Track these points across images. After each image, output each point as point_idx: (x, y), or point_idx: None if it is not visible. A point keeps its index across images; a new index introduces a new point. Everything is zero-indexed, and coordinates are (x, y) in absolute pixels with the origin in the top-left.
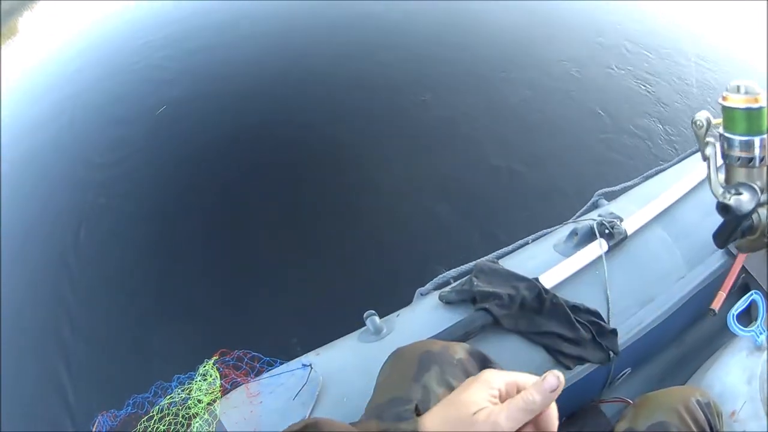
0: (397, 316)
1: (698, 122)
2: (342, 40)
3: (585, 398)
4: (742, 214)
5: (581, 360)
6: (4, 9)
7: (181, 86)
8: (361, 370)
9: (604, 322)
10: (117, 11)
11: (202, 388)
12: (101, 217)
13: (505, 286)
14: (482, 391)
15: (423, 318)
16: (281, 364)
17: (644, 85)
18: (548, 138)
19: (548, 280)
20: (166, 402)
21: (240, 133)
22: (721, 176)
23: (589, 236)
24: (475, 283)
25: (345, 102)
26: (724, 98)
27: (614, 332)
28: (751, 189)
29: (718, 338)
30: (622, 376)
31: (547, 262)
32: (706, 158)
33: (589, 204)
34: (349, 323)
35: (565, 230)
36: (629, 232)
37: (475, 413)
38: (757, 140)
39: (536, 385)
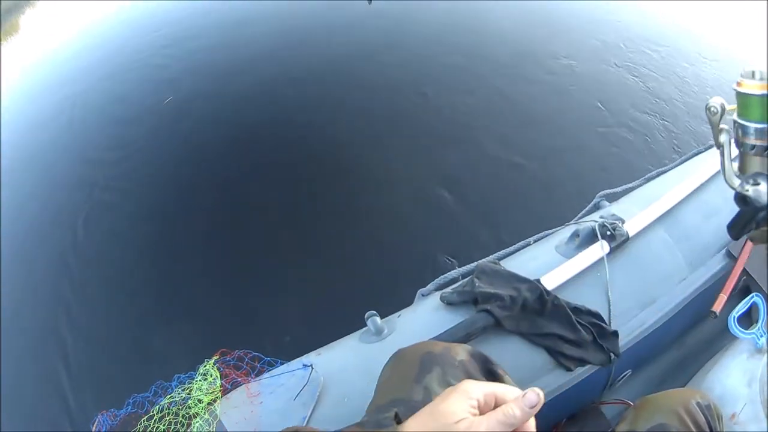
0: (398, 316)
1: (712, 108)
2: (342, 40)
3: (585, 400)
4: (760, 206)
5: (582, 362)
6: (6, 8)
7: (182, 86)
8: (362, 371)
9: (606, 323)
10: (117, 11)
11: (203, 387)
12: (101, 217)
13: (507, 287)
14: (462, 402)
15: (424, 319)
16: (282, 364)
17: (642, 82)
18: (549, 136)
19: (550, 282)
20: (167, 401)
21: (240, 132)
22: (735, 165)
23: (590, 238)
24: (477, 284)
25: (345, 101)
26: (738, 84)
27: (615, 334)
28: None
29: (719, 340)
30: (622, 377)
31: (549, 263)
32: (720, 146)
33: (590, 205)
34: (350, 323)
35: (566, 231)
36: (631, 234)
37: (455, 423)
38: None
39: (517, 400)
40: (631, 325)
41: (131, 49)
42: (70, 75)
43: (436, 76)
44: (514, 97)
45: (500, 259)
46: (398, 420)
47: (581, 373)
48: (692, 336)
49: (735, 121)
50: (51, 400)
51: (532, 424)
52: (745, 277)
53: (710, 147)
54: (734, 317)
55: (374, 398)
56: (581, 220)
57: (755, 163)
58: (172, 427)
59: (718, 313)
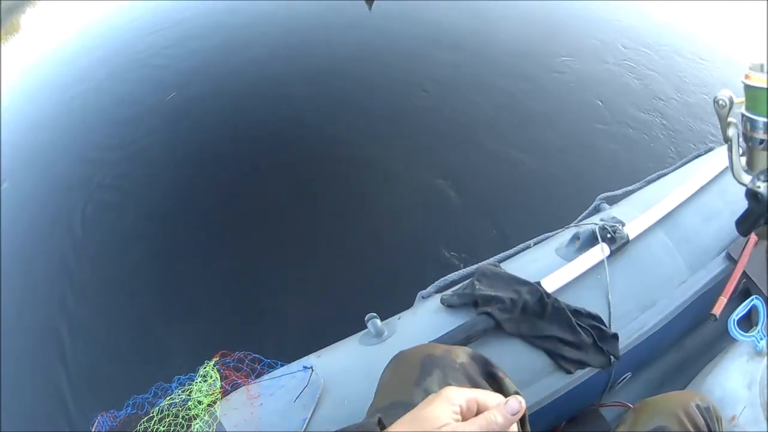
0: (399, 318)
1: (721, 101)
2: (342, 40)
3: (585, 402)
4: None
5: (582, 364)
6: (7, 7)
7: (183, 86)
8: (362, 373)
9: (606, 326)
10: (118, 11)
11: (203, 389)
12: (101, 217)
13: (507, 289)
14: (445, 408)
15: (424, 321)
16: (282, 366)
17: (641, 81)
18: (549, 135)
19: (550, 284)
20: (166, 403)
21: (240, 132)
22: (743, 160)
23: (591, 240)
24: (477, 287)
25: (345, 101)
26: (746, 77)
27: (615, 337)
28: None
29: (719, 343)
30: (622, 380)
31: (549, 266)
32: (728, 140)
33: (590, 208)
34: (351, 325)
35: (567, 234)
36: (631, 237)
37: (438, 428)
38: None
39: (500, 407)
40: (631, 327)
41: (132, 49)
42: (70, 75)
43: (436, 77)
44: (514, 97)
45: (500, 261)
46: (382, 426)
47: (581, 375)
48: (692, 339)
49: (743, 115)
50: (50, 400)
51: (514, 430)
52: (744, 280)
53: (710, 150)
54: (734, 320)
55: (374, 400)
56: (581, 223)
57: (763, 159)
58: (172, 429)
59: (718, 316)
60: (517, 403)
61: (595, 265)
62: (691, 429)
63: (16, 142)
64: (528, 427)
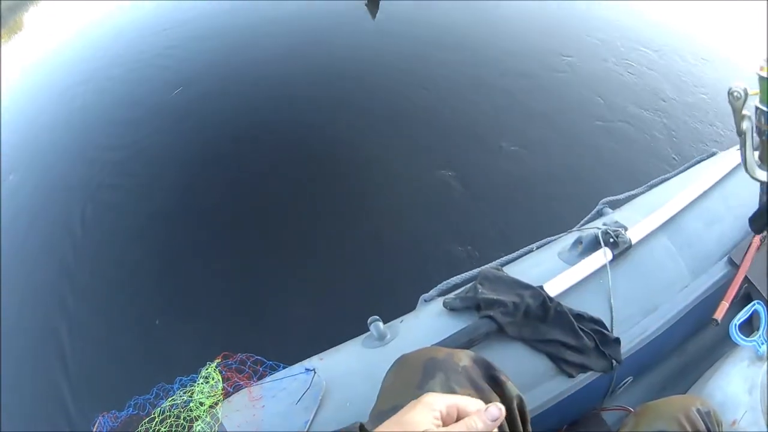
0: (401, 322)
1: (735, 93)
2: (344, 42)
3: (587, 406)
4: None
5: (584, 368)
6: (10, 6)
7: (186, 87)
8: (365, 376)
9: (608, 330)
10: (121, 11)
11: (204, 390)
12: (102, 217)
13: (510, 293)
14: (425, 413)
15: (427, 324)
16: (284, 368)
17: (641, 79)
18: (550, 135)
19: (553, 288)
20: (168, 404)
21: (242, 133)
22: (756, 154)
23: (593, 245)
24: (480, 291)
25: (346, 102)
26: (761, 68)
27: (617, 341)
28: None
29: (720, 348)
30: (623, 384)
31: (552, 270)
32: (741, 133)
33: (593, 212)
34: (353, 328)
35: (569, 238)
36: (633, 241)
37: None
38: None
39: (480, 413)
40: (633, 332)
41: (135, 49)
42: (72, 75)
43: (436, 77)
44: (515, 97)
45: (503, 265)
46: (364, 431)
47: (583, 379)
48: (693, 343)
49: (758, 108)
50: (51, 400)
51: None
52: (746, 285)
53: (713, 154)
54: (735, 325)
55: (377, 403)
56: (584, 227)
57: None
58: (174, 430)
59: (719, 321)
60: (497, 410)
61: (598, 269)
62: None
63: (17, 143)
64: (530, 429)
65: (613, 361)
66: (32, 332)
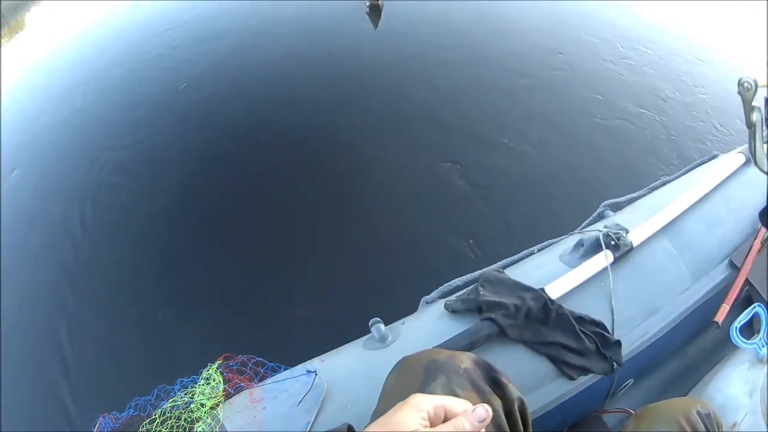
0: (402, 323)
1: (746, 84)
2: (344, 42)
3: (587, 408)
4: None
5: (585, 371)
6: (12, 6)
7: (188, 86)
8: (366, 378)
9: (609, 333)
10: (123, 10)
11: (205, 392)
12: (103, 217)
13: (511, 296)
14: (413, 414)
15: (428, 326)
16: (285, 369)
17: (640, 79)
18: (550, 135)
19: (554, 291)
20: (169, 405)
21: (243, 134)
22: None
23: (595, 247)
24: (481, 293)
25: (346, 103)
26: None
27: (618, 343)
28: None
29: (721, 350)
30: (624, 386)
31: (553, 272)
32: (751, 125)
33: (594, 215)
34: (354, 330)
35: (571, 241)
36: (635, 244)
37: None
38: None
39: (467, 414)
40: (634, 334)
41: (137, 50)
42: (72, 76)
43: (435, 78)
44: (514, 98)
45: (504, 267)
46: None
47: (584, 382)
48: (694, 346)
49: (767, 99)
50: (51, 401)
51: None
52: (747, 288)
53: (714, 157)
54: (736, 327)
55: (378, 405)
56: (585, 230)
57: None
58: (174, 431)
59: (720, 324)
60: (484, 411)
61: (599, 271)
62: None
63: (17, 143)
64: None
65: (614, 364)
66: (32, 332)
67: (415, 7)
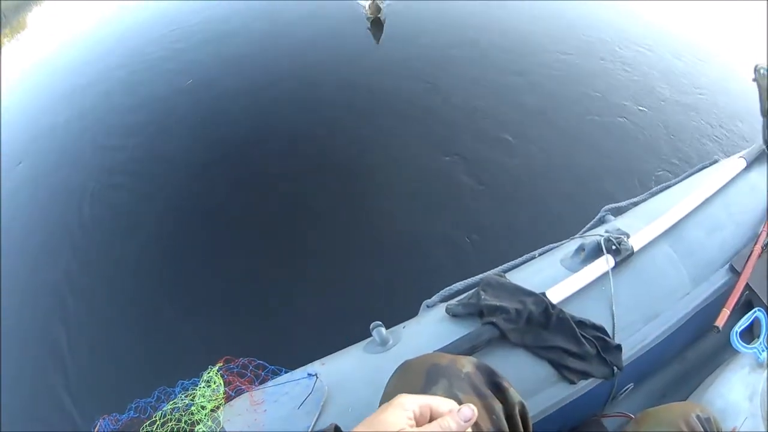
0: (404, 327)
1: (762, 70)
2: (349, 44)
3: (588, 412)
4: None
5: (586, 375)
6: (13, 6)
7: (189, 87)
8: (367, 381)
9: (609, 337)
10: (127, 11)
11: (206, 394)
12: (103, 218)
13: (512, 300)
14: (399, 414)
15: (429, 330)
16: (286, 372)
17: (639, 78)
18: (549, 133)
19: (555, 295)
20: (169, 407)
21: (243, 136)
22: None
23: (596, 252)
24: (483, 297)
25: (349, 106)
26: None
27: (619, 348)
28: None
29: (721, 355)
30: (624, 391)
31: (554, 276)
32: (766, 113)
33: (595, 219)
34: (355, 333)
35: (572, 245)
36: (636, 249)
37: None
38: None
39: (453, 413)
40: (634, 339)
41: (139, 50)
42: (73, 77)
43: (435, 78)
44: (514, 97)
45: (506, 271)
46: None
47: (584, 386)
48: (694, 350)
49: None
50: (51, 402)
51: None
52: (747, 292)
53: (715, 162)
54: (736, 332)
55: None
56: (586, 234)
57: None
58: None
59: (720, 328)
60: (470, 411)
61: (600, 276)
62: None
63: (18, 145)
64: None
65: (615, 368)
66: (32, 333)
67: (415, 9)
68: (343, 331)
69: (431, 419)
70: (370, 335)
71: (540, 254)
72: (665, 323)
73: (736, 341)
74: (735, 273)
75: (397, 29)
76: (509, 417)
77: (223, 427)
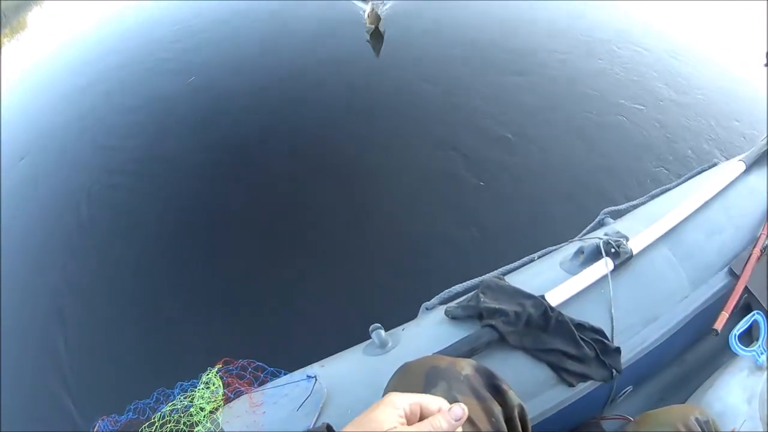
0: (403, 329)
1: None
2: (350, 45)
3: (587, 415)
4: None
5: (584, 377)
6: (14, 6)
7: (191, 88)
8: (366, 383)
9: (608, 340)
10: (129, 10)
11: (205, 396)
12: (103, 219)
13: (512, 303)
14: (389, 412)
15: (428, 332)
16: (285, 374)
17: (638, 78)
18: (547, 133)
19: (554, 298)
20: (168, 409)
21: (244, 137)
22: None
23: (595, 255)
24: (482, 299)
25: (351, 107)
26: None
27: (618, 350)
28: None
29: (719, 358)
30: (623, 393)
31: (553, 279)
32: None
33: (595, 222)
34: (354, 335)
35: (571, 248)
36: (635, 252)
37: (385, 431)
38: None
39: (443, 413)
40: (633, 341)
41: (139, 51)
42: (74, 77)
43: (434, 79)
44: (514, 98)
45: (505, 274)
46: (331, 431)
47: (583, 388)
48: (693, 353)
49: None
50: (51, 403)
51: None
52: (746, 295)
53: (714, 165)
54: (735, 335)
55: None
56: (585, 237)
57: None
58: None
59: (719, 331)
60: (461, 410)
61: (599, 279)
62: None
63: (17, 146)
64: None
65: (614, 371)
66: (32, 333)
67: (415, 10)
68: (342, 332)
69: (422, 418)
70: (370, 337)
71: (539, 257)
72: (664, 326)
73: (734, 344)
74: (734, 276)
75: (398, 30)
76: (508, 419)
77: (222, 429)
